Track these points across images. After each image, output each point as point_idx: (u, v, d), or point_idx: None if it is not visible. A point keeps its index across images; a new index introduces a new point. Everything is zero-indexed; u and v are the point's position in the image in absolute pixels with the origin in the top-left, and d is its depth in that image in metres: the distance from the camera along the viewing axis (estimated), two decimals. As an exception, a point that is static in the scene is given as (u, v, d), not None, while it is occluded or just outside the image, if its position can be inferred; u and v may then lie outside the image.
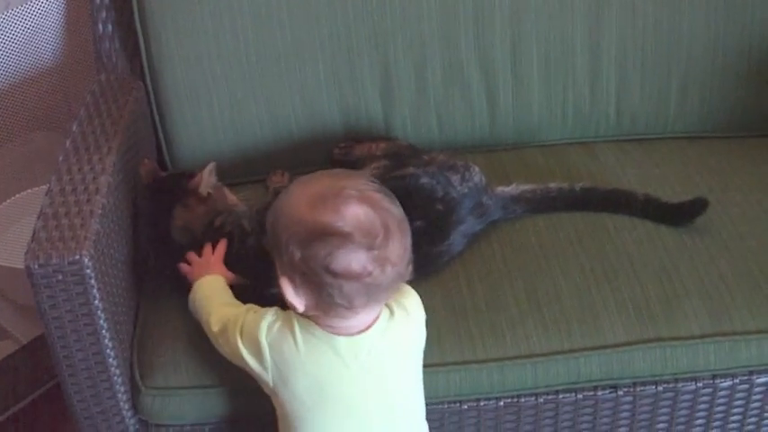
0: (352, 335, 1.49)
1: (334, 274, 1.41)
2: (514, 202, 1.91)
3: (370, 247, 1.40)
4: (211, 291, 1.67)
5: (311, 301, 1.46)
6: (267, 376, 1.54)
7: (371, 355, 1.50)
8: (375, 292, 1.45)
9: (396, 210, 1.46)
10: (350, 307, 1.45)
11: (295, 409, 1.53)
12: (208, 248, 1.75)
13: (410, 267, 1.49)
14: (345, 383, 1.51)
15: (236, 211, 1.81)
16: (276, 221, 1.46)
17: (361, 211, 1.41)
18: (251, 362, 1.54)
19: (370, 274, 1.41)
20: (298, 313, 1.49)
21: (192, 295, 1.68)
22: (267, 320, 1.53)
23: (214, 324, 1.61)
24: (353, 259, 1.40)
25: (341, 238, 1.40)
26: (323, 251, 1.40)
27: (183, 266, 1.74)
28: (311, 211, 1.42)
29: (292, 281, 1.45)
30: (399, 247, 1.43)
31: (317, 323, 1.49)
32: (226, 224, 1.78)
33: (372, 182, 1.49)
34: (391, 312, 1.52)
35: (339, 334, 1.49)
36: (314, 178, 1.49)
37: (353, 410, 1.54)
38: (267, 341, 1.52)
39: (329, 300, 1.44)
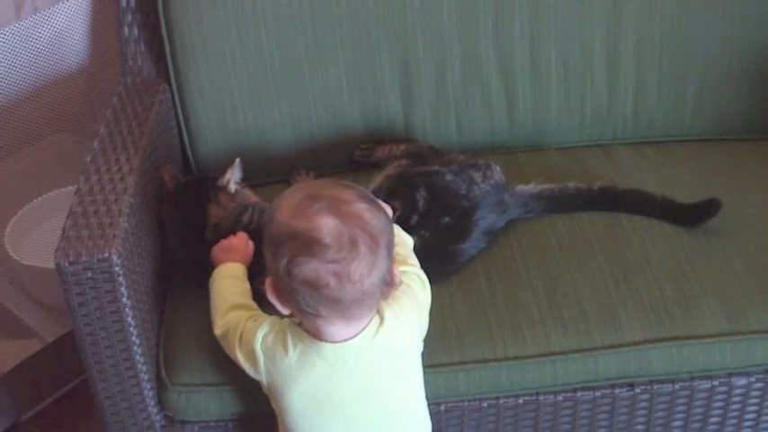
0: (338, 342, 1.50)
1: (294, 279, 1.43)
2: (534, 199, 1.93)
3: (330, 260, 1.41)
4: (224, 287, 1.70)
5: (289, 305, 1.48)
6: (262, 381, 1.58)
7: (360, 359, 1.51)
8: (339, 306, 1.45)
9: (377, 226, 1.45)
10: (317, 315, 1.46)
11: (290, 415, 1.56)
12: (231, 237, 1.78)
13: (387, 288, 1.48)
14: (336, 389, 1.53)
15: (261, 206, 1.84)
16: (264, 223, 1.50)
17: (331, 222, 1.42)
18: (246, 368, 1.59)
19: (326, 285, 1.42)
20: (288, 319, 1.53)
21: (210, 281, 1.72)
22: (264, 330, 1.56)
23: (217, 328, 1.66)
24: (311, 268, 1.41)
25: (303, 244, 1.41)
26: (287, 255, 1.42)
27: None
28: (288, 216, 1.44)
29: (274, 283, 1.48)
30: (365, 266, 1.43)
31: (306, 331, 1.52)
32: (253, 219, 1.81)
33: (364, 195, 1.49)
34: (381, 319, 1.52)
35: (326, 341, 1.50)
36: (304, 185, 1.53)
37: (346, 415, 1.56)
38: (262, 349, 1.55)
39: (297, 305, 1.46)
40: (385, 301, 1.52)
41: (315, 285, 1.42)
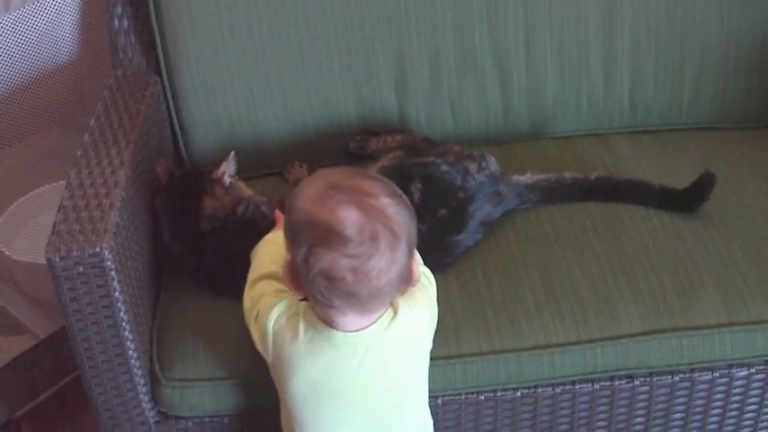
0: (350, 331, 1.49)
1: (311, 269, 1.40)
2: (530, 190, 1.92)
3: (349, 254, 1.38)
4: (266, 253, 1.67)
5: (304, 291, 1.47)
6: (269, 360, 1.57)
7: (370, 350, 1.50)
8: (353, 300, 1.43)
9: (400, 221, 1.42)
10: (330, 305, 1.44)
11: (293, 399, 1.55)
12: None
13: (404, 285, 1.46)
14: (342, 378, 1.52)
15: (256, 199, 1.83)
16: (288, 205, 1.47)
17: (353, 215, 1.39)
18: (258, 344, 1.57)
19: (343, 279, 1.39)
20: (306, 303, 1.51)
21: (260, 243, 1.70)
22: (279, 309, 1.54)
23: (246, 298, 1.63)
24: (329, 260, 1.39)
25: (323, 235, 1.39)
26: (306, 244, 1.40)
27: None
28: (311, 204, 1.42)
29: (292, 268, 1.46)
30: (384, 263, 1.40)
31: (319, 317, 1.50)
32: (247, 211, 1.80)
33: (389, 188, 1.45)
34: (395, 312, 1.50)
35: (338, 329, 1.48)
36: (328, 173, 1.48)
37: (351, 406, 1.54)
38: (273, 329, 1.53)
39: (311, 293, 1.44)
40: (401, 296, 1.50)
41: (331, 278, 1.40)
